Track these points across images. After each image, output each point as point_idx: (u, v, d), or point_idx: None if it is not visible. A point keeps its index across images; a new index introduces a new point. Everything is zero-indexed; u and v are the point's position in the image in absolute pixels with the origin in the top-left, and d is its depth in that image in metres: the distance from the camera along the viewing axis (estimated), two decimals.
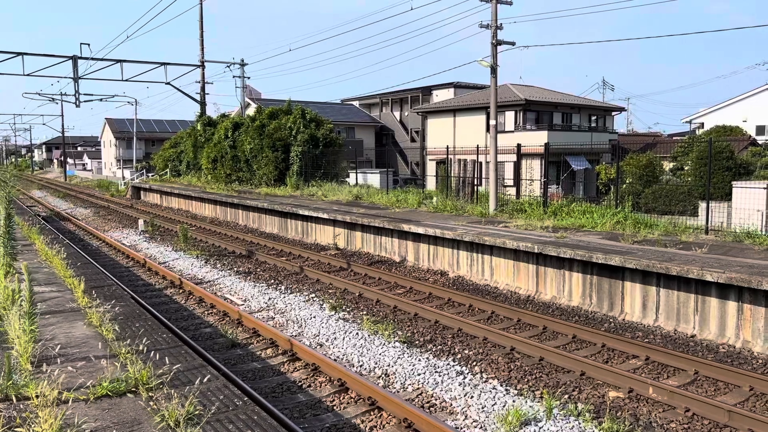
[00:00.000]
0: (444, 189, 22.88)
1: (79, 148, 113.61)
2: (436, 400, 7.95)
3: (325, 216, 20.73)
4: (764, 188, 17.93)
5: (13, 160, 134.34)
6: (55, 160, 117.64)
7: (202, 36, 40.50)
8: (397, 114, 53.45)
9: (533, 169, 33.30)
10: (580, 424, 7.10)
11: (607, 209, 17.31)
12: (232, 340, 10.27)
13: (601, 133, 39.44)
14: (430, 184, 33.73)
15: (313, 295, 13.62)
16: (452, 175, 22.56)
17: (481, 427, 7.16)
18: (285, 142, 31.79)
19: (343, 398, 7.96)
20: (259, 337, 10.54)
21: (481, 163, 24.07)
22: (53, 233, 18.67)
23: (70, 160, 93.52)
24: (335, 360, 9.39)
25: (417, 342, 10.30)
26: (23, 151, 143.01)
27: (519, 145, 23.09)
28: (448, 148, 24.26)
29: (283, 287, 14.46)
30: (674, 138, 48.70)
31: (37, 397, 5.19)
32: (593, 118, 41.69)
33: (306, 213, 21.84)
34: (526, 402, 7.69)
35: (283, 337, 9.96)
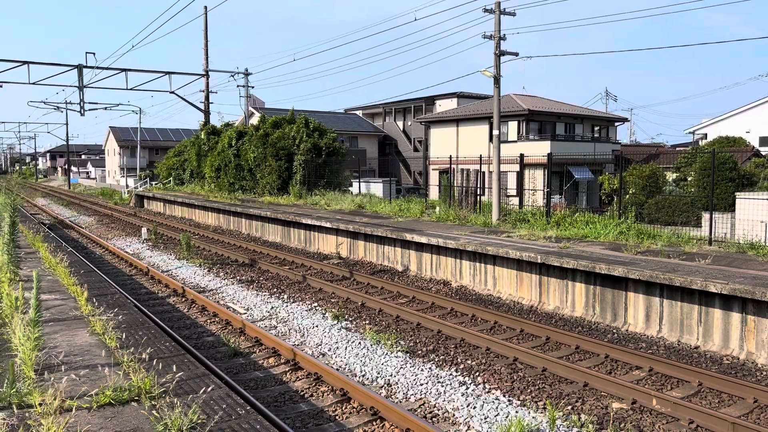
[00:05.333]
0: (447, 198, 22.89)
1: (83, 157, 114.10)
2: (438, 410, 7.92)
3: (328, 225, 20.75)
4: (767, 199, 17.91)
5: (18, 168, 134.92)
6: (59, 169, 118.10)
7: (206, 46, 40.68)
8: (400, 123, 53.60)
9: (536, 179, 33.32)
10: None
11: (610, 220, 17.29)
12: (234, 349, 10.26)
13: (604, 144, 39.48)
14: (433, 193, 33.76)
15: (316, 304, 13.62)
16: (455, 184, 22.58)
17: None
18: (288, 151, 31.87)
19: (346, 408, 7.94)
20: (261, 346, 10.54)
21: (483, 172, 24.10)
22: (57, 241, 18.71)
23: (74, 169, 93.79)
24: (337, 370, 9.37)
25: (419, 352, 10.28)
26: (28, 159, 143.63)
27: (522, 155, 23.14)
28: (451, 157, 24.29)
29: (285, 296, 14.46)
30: (677, 149, 48.72)
31: (40, 405, 5.20)
32: (596, 128, 41.75)
33: (309, 222, 21.87)
34: (529, 413, 7.67)
35: (286, 347, 9.96)
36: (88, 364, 6.56)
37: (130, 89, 36.09)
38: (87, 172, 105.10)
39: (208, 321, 12.36)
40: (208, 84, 40.90)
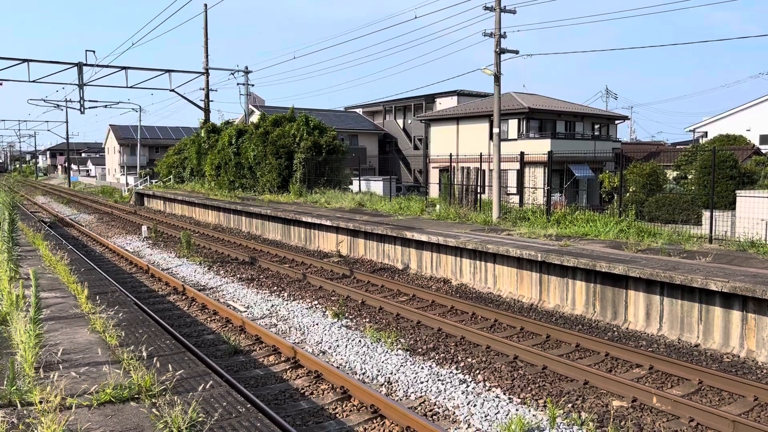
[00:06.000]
0: (447, 197, 22.89)
1: (83, 155, 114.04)
2: (438, 408, 7.92)
3: (328, 223, 20.75)
4: None
5: (18, 166, 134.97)
6: (59, 167, 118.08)
7: (206, 43, 40.63)
8: (400, 122, 53.56)
9: (536, 178, 33.31)
10: None
11: (610, 218, 17.28)
12: (234, 347, 10.26)
13: (604, 142, 39.47)
14: (433, 191, 33.75)
15: (316, 302, 13.61)
16: (455, 182, 22.58)
17: None
18: (288, 149, 31.86)
19: (346, 406, 7.94)
20: (261, 344, 10.53)
21: (484, 170, 24.08)
22: (57, 239, 18.70)
23: (74, 167, 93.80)
24: (338, 368, 9.37)
25: (420, 350, 10.28)
26: (28, 158, 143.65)
27: (522, 153, 23.12)
28: (451, 155, 24.30)
29: (285, 294, 14.46)
30: (678, 147, 48.70)
31: (40, 402, 5.20)
32: (596, 126, 41.71)
33: (309, 220, 21.86)
34: (530, 411, 7.66)
35: (286, 345, 9.96)
36: (89, 362, 6.55)
37: (130, 87, 36.12)
38: (87, 170, 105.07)
39: (209, 319, 12.36)
40: (208, 82, 40.87)
